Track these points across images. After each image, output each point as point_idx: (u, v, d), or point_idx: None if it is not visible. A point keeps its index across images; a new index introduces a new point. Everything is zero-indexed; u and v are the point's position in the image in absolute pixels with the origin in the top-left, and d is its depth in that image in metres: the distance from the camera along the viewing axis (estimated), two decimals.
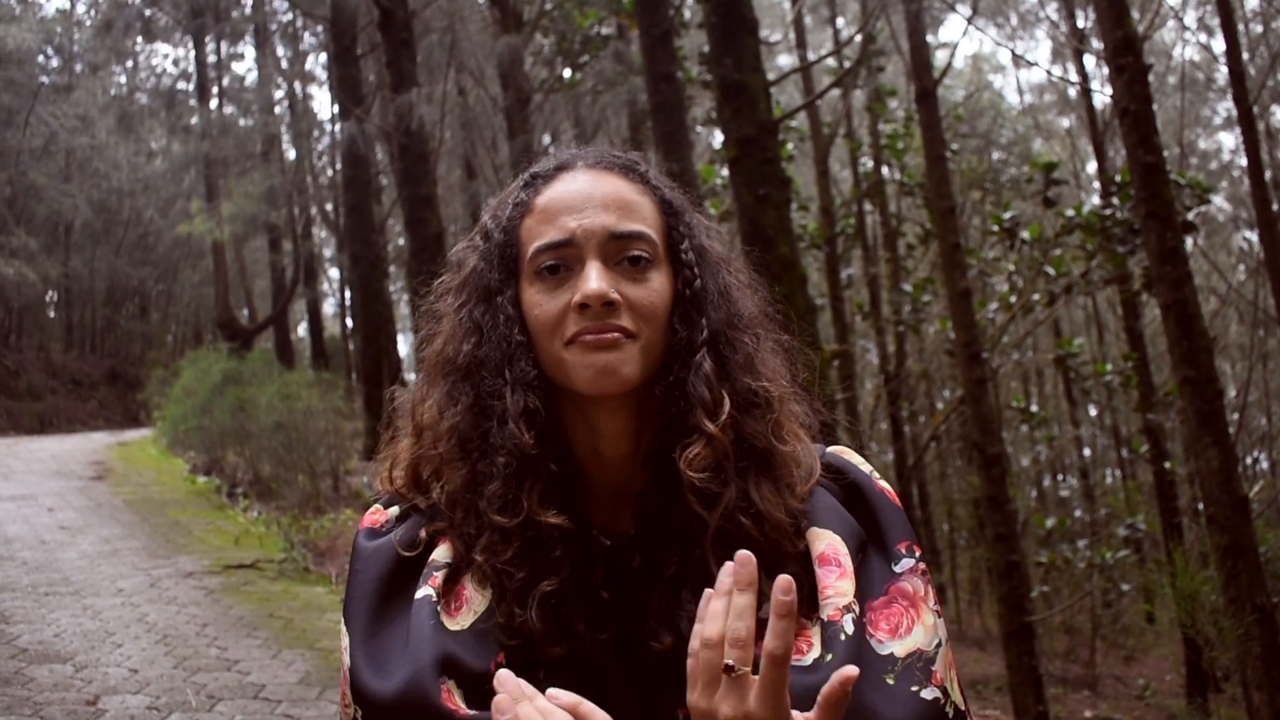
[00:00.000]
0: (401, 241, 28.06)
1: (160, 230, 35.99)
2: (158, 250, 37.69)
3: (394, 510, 1.46)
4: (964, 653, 16.11)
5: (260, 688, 6.43)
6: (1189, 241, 10.97)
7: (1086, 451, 23.82)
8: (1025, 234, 12.44)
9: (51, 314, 38.41)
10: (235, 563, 10.13)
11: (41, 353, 34.56)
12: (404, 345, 37.93)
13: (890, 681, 1.28)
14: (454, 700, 1.26)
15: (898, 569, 1.37)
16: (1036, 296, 12.44)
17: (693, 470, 1.33)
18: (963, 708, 1.35)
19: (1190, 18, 18.84)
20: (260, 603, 8.76)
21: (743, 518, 1.34)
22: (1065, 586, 14.51)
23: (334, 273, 37.67)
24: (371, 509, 1.48)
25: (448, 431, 1.40)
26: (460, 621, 1.33)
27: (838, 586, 1.32)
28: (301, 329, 40.54)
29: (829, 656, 1.26)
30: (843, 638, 1.28)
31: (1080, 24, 17.45)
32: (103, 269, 35.80)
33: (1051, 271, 12.09)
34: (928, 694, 1.30)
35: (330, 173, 31.40)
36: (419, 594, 1.34)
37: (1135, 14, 8.93)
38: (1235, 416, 11.51)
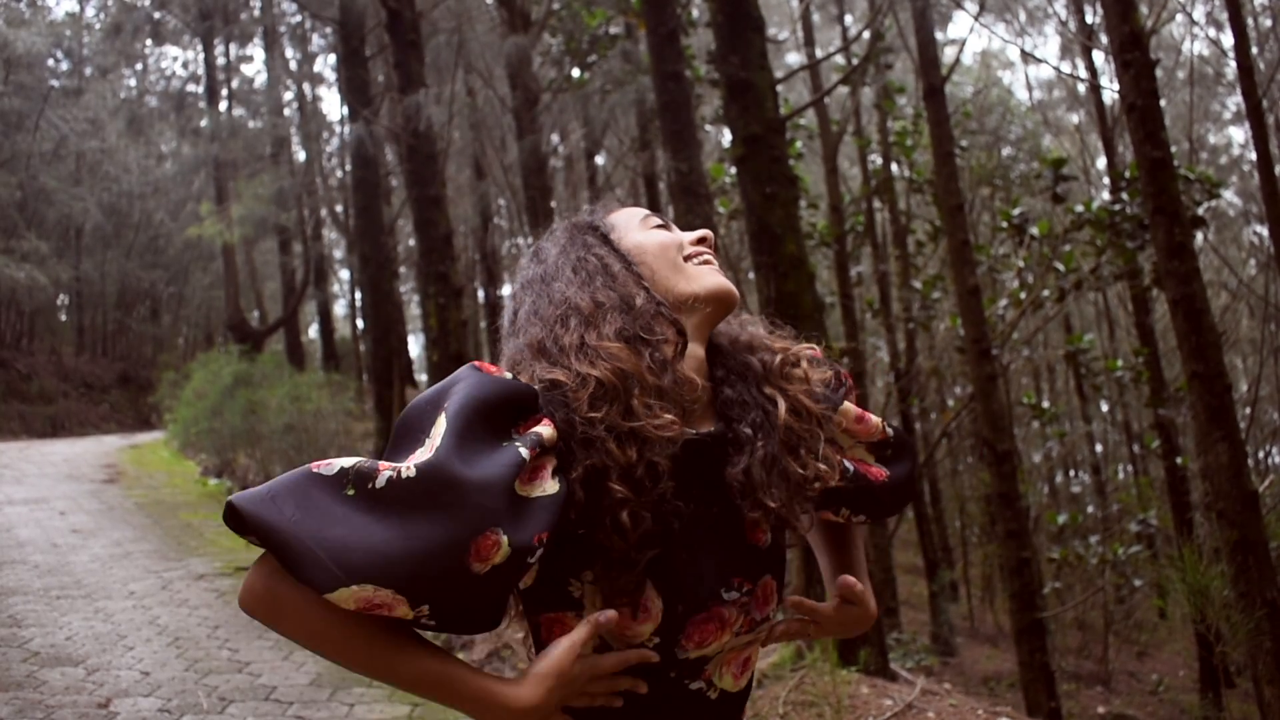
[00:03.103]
0: (411, 242, 28.05)
1: (170, 233, 36.10)
2: (168, 253, 37.78)
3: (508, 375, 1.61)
4: (976, 649, 16.10)
5: (271, 689, 6.44)
6: (1199, 236, 10.95)
7: (1098, 447, 23.81)
8: (1035, 230, 12.41)
9: (63, 317, 38.54)
10: (246, 564, 10.13)
11: (53, 356, 34.68)
12: (414, 346, 38.08)
13: None
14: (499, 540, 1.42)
15: None
16: (1046, 292, 12.41)
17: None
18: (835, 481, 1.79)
19: (1198, 12, 18.79)
20: None
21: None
22: (1077, 582, 14.48)
23: (344, 274, 37.71)
24: (481, 361, 1.64)
25: (613, 357, 1.61)
26: (528, 491, 1.48)
27: None
28: (312, 330, 40.64)
29: None
30: None
31: (1088, 20, 17.42)
32: (113, 272, 35.93)
33: (1061, 267, 12.06)
34: None
35: (340, 174, 31.46)
36: (520, 447, 1.48)
37: (1143, 9, 8.90)
38: (1246, 411, 11.48)
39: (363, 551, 1.37)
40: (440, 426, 1.47)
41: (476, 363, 1.61)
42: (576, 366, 1.59)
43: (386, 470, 1.41)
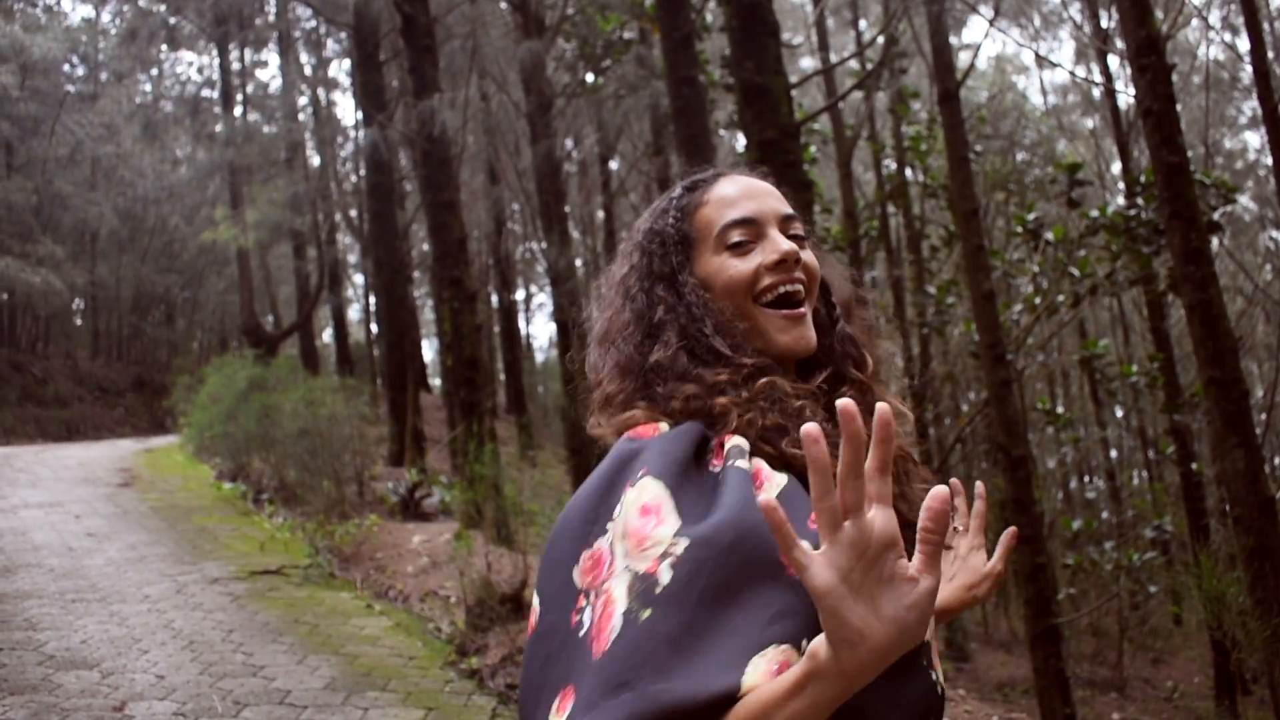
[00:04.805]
0: (425, 247, 28.14)
1: (185, 237, 36.26)
2: (183, 258, 37.94)
3: (663, 425, 1.54)
4: (990, 655, 16.05)
5: (286, 693, 6.45)
6: (1214, 241, 10.91)
7: (1113, 453, 23.74)
8: (1049, 235, 12.38)
9: (78, 322, 38.66)
10: (261, 569, 10.16)
11: (68, 360, 34.80)
12: (428, 351, 38.17)
13: None
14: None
15: None
16: (1061, 298, 12.38)
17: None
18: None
19: (1214, 17, 18.75)
20: (286, 608, 8.79)
21: None
22: (1092, 588, 14.44)
23: (358, 279, 37.88)
24: (632, 430, 1.54)
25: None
26: (766, 494, 1.29)
27: None
28: (326, 335, 40.72)
29: None
30: None
31: (1103, 24, 17.38)
32: (128, 277, 36.04)
33: (1076, 272, 12.02)
34: None
35: (354, 179, 31.59)
36: (738, 463, 1.43)
37: (1159, 13, 8.88)
38: (1262, 417, 11.43)
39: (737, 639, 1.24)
40: (643, 499, 1.38)
41: (629, 434, 1.53)
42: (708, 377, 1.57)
43: (657, 568, 1.29)
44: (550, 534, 1.47)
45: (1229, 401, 6.39)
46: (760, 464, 1.46)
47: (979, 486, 1.94)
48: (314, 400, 15.08)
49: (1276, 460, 17.95)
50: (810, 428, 1.08)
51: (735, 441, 1.47)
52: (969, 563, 1.92)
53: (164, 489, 15.50)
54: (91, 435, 28.99)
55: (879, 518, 1.09)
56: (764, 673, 1.20)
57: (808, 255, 1.69)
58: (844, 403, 1.09)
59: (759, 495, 1.16)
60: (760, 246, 1.67)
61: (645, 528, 1.34)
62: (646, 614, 1.26)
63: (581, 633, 1.31)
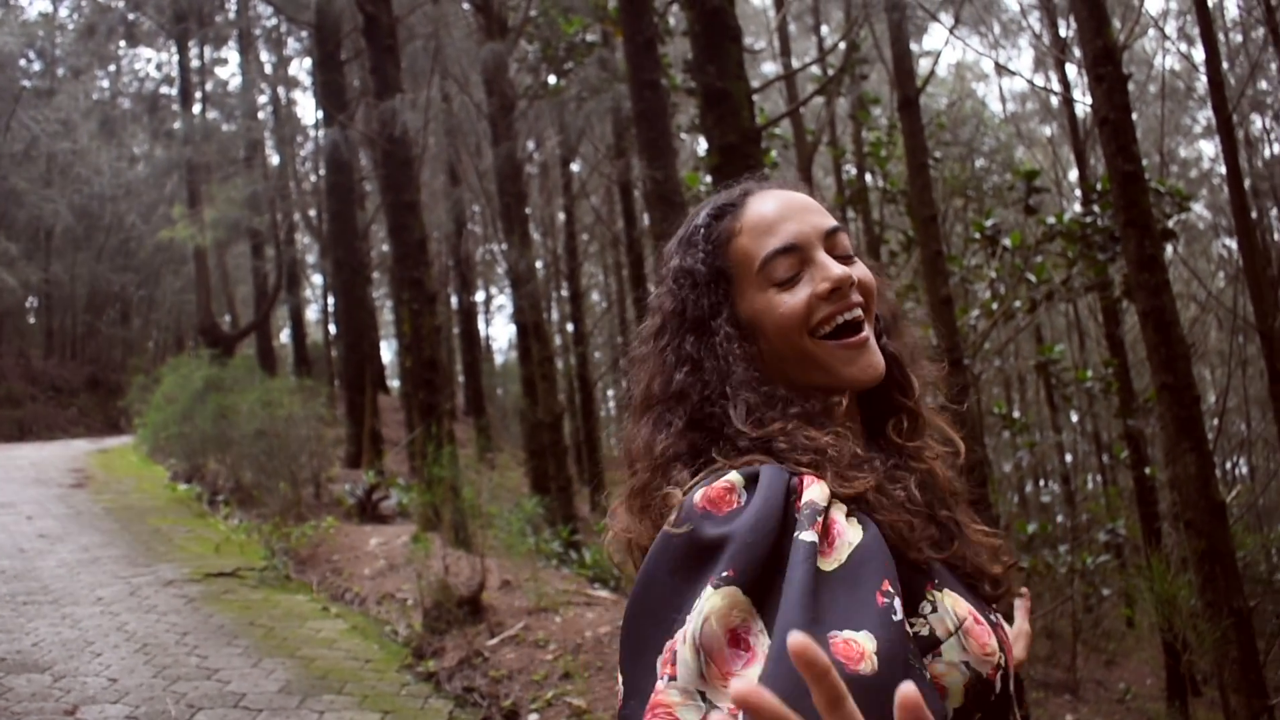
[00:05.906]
0: (385, 248, 27.98)
1: (142, 236, 35.91)
2: (139, 256, 37.59)
3: (737, 478, 1.33)
4: None
5: (240, 696, 6.41)
6: (1169, 249, 11.03)
7: (1068, 457, 23.89)
8: (1007, 241, 12.47)
9: (31, 320, 38.29)
10: (216, 571, 10.09)
11: (21, 359, 34.42)
12: (387, 352, 38.01)
13: None
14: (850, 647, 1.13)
15: None
16: (1018, 303, 12.47)
17: (901, 439, 1.56)
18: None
19: (1170, 27, 18.96)
20: (241, 611, 8.73)
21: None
22: (1046, 591, 14.53)
23: (317, 279, 37.63)
24: (705, 491, 1.31)
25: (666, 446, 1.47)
26: (830, 563, 1.23)
27: None
28: (284, 336, 40.47)
29: None
30: None
31: (1062, 33, 17.53)
32: (84, 275, 35.69)
33: (1033, 278, 12.12)
34: None
35: (313, 179, 31.39)
36: (805, 536, 1.23)
37: (1116, 23, 8.96)
38: (1215, 422, 11.55)
39: None
40: (731, 621, 1.18)
41: (700, 505, 1.30)
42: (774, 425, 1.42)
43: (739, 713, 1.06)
44: (630, 606, 1.28)
45: (1181, 407, 6.47)
46: (836, 519, 1.29)
47: (1024, 590, 1.82)
48: (271, 401, 15.00)
49: (1227, 465, 18.15)
50: None
51: (810, 496, 1.30)
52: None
53: (118, 490, 15.37)
54: (44, 435, 28.71)
55: None
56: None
57: (860, 270, 1.55)
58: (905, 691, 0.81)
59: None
60: (808, 274, 1.51)
61: (734, 664, 1.18)
62: None
63: None
